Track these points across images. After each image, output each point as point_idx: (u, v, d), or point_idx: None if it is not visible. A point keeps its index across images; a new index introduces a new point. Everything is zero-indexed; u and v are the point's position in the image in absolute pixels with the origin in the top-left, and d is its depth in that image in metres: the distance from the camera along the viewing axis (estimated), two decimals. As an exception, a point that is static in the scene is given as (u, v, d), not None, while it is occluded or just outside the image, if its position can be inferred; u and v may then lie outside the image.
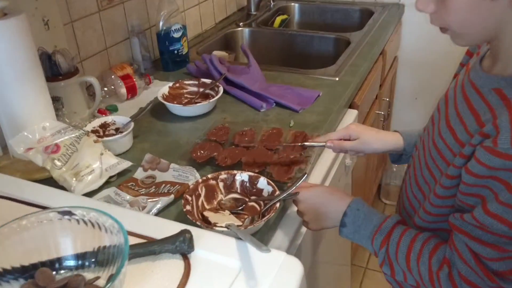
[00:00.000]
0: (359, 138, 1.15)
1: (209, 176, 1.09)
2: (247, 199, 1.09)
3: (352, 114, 1.60)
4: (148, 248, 0.82)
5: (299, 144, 1.21)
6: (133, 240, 0.82)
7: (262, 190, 1.08)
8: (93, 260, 0.77)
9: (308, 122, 1.43)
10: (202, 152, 1.25)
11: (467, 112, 0.85)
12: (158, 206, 1.07)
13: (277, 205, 1.00)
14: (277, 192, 1.04)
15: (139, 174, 1.21)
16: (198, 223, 0.95)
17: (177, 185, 1.13)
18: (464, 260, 0.82)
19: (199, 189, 1.07)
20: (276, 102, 1.53)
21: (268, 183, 1.07)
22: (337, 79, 1.68)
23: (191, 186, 1.06)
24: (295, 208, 1.09)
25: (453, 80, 1.00)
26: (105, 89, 1.58)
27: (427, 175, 0.95)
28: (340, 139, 1.17)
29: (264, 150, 1.25)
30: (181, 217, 1.04)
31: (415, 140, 1.15)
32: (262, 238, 1.02)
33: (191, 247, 0.81)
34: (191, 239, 0.81)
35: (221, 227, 0.95)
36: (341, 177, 1.51)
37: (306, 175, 1.02)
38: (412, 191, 1.02)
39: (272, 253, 0.79)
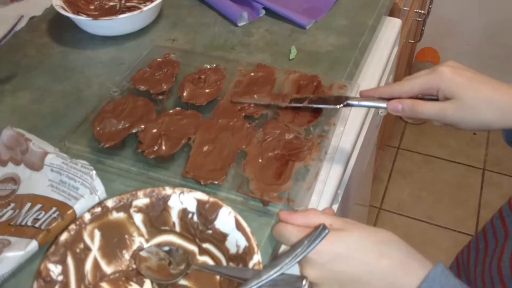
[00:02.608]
0: (457, 97, 0.53)
1: (110, 204, 0.50)
2: (195, 249, 0.51)
3: (393, 26, 0.95)
4: None
5: (336, 104, 0.61)
6: None
7: (225, 236, 0.49)
8: None
9: (322, 50, 0.79)
10: (114, 122, 0.64)
11: None
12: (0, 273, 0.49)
13: (255, 298, 0.42)
14: (256, 258, 0.45)
15: (-9, 171, 0.62)
16: None
17: (53, 208, 0.54)
18: None
19: (86, 238, 0.48)
20: (266, 8, 0.87)
21: (238, 226, 0.48)
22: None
23: (62, 236, 0.47)
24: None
25: None
26: (-32, -18, 0.91)
27: None
28: (418, 95, 0.57)
29: (237, 117, 0.64)
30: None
31: None
32: None
33: None
34: None
35: None
36: (371, 137, 0.91)
37: (326, 232, 0.42)
38: None
39: None
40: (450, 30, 2.04)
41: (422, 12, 1.54)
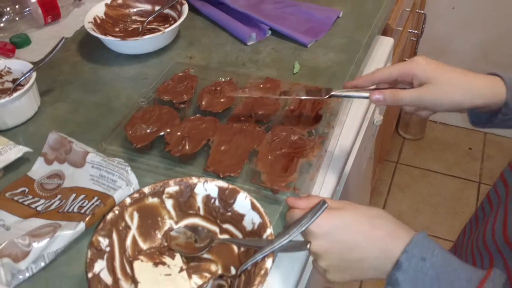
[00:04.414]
0: (429, 82, 0.62)
1: (146, 190, 0.60)
2: (216, 229, 0.61)
3: (386, 44, 1.06)
4: None
5: (322, 96, 0.69)
6: None
7: (242, 216, 0.59)
8: None
9: (322, 66, 0.90)
10: (144, 126, 0.74)
11: None
12: (54, 249, 0.59)
13: (267, 264, 0.52)
14: (269, 230, 0.55)
15: (39, 169, 0.72)
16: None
17: (95, 197, 0.64)
18: None
19: (127, 218, 0.58)
20: (272, 29, 0.98)
21: (254, 207, 0.58)
22: (365, -12, 1.11)
23: (109, 215, 0.57)
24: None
25: None
26: (8, 9, 1.02)
27: None
28: (395, 84, 0.66)
29: (249, 122, 0.75)
30: (94, 273, 0.57)
31: None
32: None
33: None
34: None
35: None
36: (368, 144, 1.01)
37: (326, 205, 0.52)
38: None
39: None
40: (444, 49, 2.14)
41: (416, 32, 1.65)
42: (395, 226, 0.54)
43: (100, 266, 0.53)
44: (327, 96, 0.68)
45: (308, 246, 0.52)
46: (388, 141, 2.12)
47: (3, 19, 1.03)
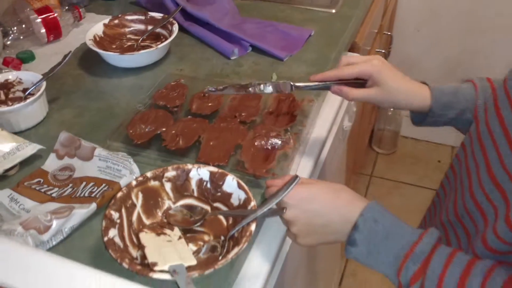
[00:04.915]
0: (380, 84, 0.78)
1: (149, 174, 0.71)
2: (208, 208, 0.72)
3: (352, 59, 1.20)
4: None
5: (291, 84, 0.82)
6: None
7: (230, 195, 0.71)
8: None
9: (296, 76, 1.03)
10: (143, 127, 0.86)
11: None
12: (71, 225, 0.70)
13: (252, 227, 0.63)
14: (252, 203, 0.67)
15: (52, 163, 0.82)
16: (125, 266, 0.59)
17: (103, 184, 0.75)
18: None
19: (133, 197, 0.69)
20: (252, 45, 1.12)
21: (239, 186, 0.70)
22: (333, 11, 1.26)
23: (119, 194, 0.68)
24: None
25: None
26: (14, 28, 1.14)
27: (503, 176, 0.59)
28: (354, 81, 0.80)
29: (234, 122, 0.87)
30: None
31: (446, 100, 0.79)
32: (229, 267, 0.66)
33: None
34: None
35: (163, 272, 0.59)
36: (338, 147, 1.14)
37: (298, 179, 0.65)
38: (471, 198, 0.67)
39: None
40: (412, 67, 2.28)
41: (383, 51, 1.80)
42: (353, 197, 0.67)
43: (113, 233, 0.63)
44: (293, 88, 0.82)
45: (284, 211, 0.64)
46: (361, 155, 2.25)
47: (10, 38, 1.14)
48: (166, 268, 0.59)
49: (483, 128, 0.68)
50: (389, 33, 1.90)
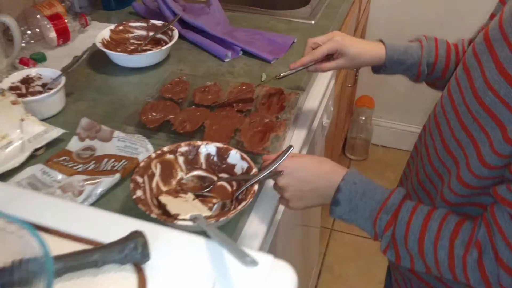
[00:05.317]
0: (345, 54, 0.99)
1: (165, 149, 0.84)
2: (215, 178, 0.85)
3: (330, 64, 1.37)
4: (86, 260, 0.59)
5: (278, 76, 1.06)
6: (66, 246, 0.59)
7: (234, 166, 0.84)
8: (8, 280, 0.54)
9: (282, 75, 1.18)
10: (154, 114, 0.99)
11: None
12: (100, 190, 0.82)
13: (255, 187, 0.77)
14: (254, 170, 0.81)
15: (74, 144, 0.95)
16: (154, 216, 0.71)
17: (123, 160, 0.88)
18: (507, 241, 0.65)
19: (153, 167, 0.82)
20: (243, 50, 1.27)
21: (242, 158, 0.84)
22: (313, 22, 1.43)
23: (141, 163, 0.81)
24: (272, 181, 0.86)
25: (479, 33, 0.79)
26: (29, 32, 1.26)
27: (463, 138, 0.74)
28: (325, 57, 1.01)
29: (232, 111, 1.01)
30: (130, 204, 0.80)
31: (397, 57, 0.99)
32: (235, 225, 0.80)
33: (145, 256, 0.59)
34: (145, 244, 0.59)
35: (185, 220, 0.72)
36: (318, 141, 1.30)
37: (292, 148, 0.79)
38: (434, 161, 0.82)
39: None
40: (382, 80, 2.46)
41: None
42: (336, 166, 0.82)
43: (139, 193, 0.76)
44: (278, 78, 1.04)
45: (281, 173, 0.78)
46: (336, 161, 2.41)
47: (22, 41, 1.26)
48: (187, 217, 0.72)
49: (438, 109, 0.84)
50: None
